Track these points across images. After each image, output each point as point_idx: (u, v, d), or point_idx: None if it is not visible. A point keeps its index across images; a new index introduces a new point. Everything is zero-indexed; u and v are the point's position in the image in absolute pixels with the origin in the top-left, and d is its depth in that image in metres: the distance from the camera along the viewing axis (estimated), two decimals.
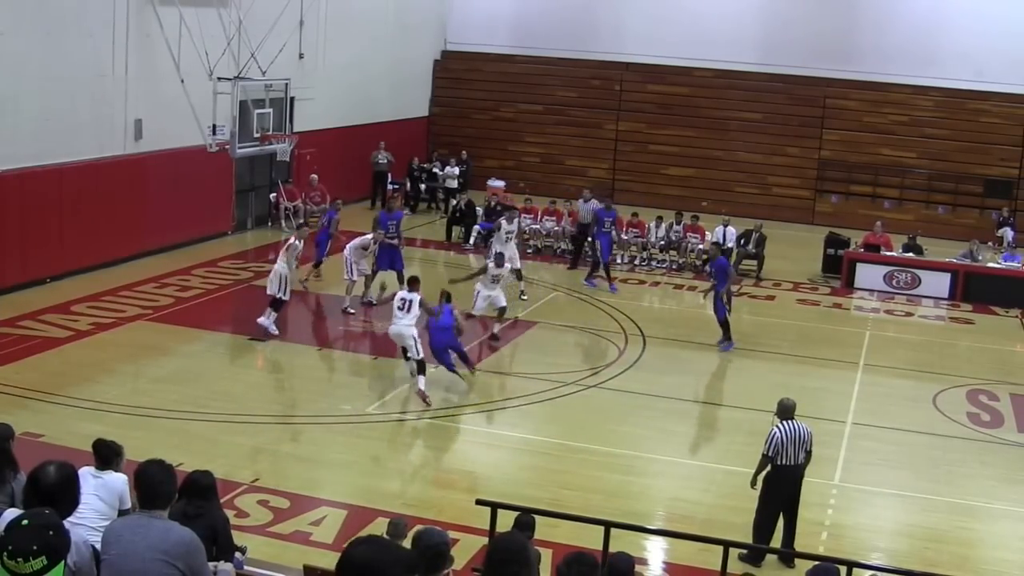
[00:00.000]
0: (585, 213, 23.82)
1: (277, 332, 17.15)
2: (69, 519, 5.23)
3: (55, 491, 5.06)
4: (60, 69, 19.07)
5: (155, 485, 5.45)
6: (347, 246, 19.40)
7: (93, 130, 20.14)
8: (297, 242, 17.49)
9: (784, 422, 10.76)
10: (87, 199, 19.94)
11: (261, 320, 17.00)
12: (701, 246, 24.49)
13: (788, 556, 10.63)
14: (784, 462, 10.66)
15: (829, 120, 30.88)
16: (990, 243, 27.31)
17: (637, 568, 7.60)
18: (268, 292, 17.19)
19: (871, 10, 30.49)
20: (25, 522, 4.19)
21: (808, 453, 10.84)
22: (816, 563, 7.73)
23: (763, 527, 10.77)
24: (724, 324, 18.18)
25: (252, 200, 25.52)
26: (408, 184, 29.68)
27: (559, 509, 10.76)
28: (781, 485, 10.73)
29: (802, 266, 24.87)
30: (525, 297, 20.59)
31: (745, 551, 10.54)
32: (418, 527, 5.60)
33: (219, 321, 18.37)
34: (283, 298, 17.13)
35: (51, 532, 4.18)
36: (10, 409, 12.97)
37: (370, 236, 19.27)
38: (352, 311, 18.94)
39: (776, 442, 10.65)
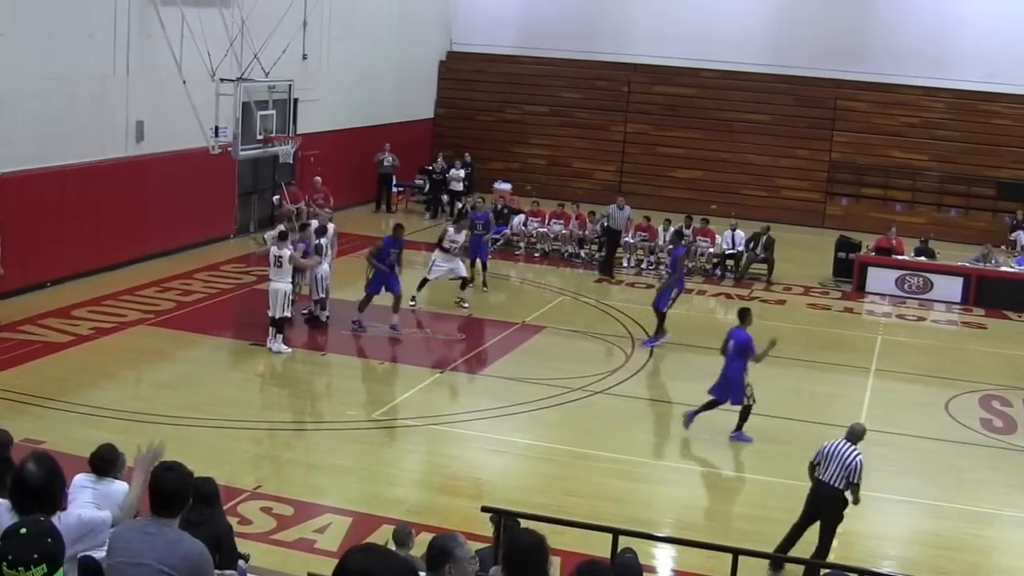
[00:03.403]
0: (619, 220, 23.60)
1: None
2: None
3: (42, 488, 5.06)
4: (61, 70, 18.93)
5: (168, 493, 5.30)
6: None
7: (94, 132, 19.99)
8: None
9: (843, 441, 10.57)
10: (88, 202, 19.78)
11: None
12: (711, 249, 24.32)
13: (800, 564, 10.44)
14: (819, 474, 10.53)
15: (839, 122, 30.67)
16: (1003, 247, 27.06)
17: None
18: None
19: (881, 11, 30.28)
20: (23, 531, 4.11)
21: (853, 484, 10.46)
22: (828, 571, 7.60)
23: (789, 535, 10.63)
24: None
25: (255, 203, 25.37)
26: (427, 187, 29.46)
27: (565, 516, 10.57)
28: (811, 497, 10.60)
29: (812, 270, 24.66)
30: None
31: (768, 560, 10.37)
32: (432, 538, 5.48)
33: (221, 326, 18.22)
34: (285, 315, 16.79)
35: (49, 539, 4.10)
36: (10, 415, 12.83)
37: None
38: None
39: (819, 452, 10.54)
